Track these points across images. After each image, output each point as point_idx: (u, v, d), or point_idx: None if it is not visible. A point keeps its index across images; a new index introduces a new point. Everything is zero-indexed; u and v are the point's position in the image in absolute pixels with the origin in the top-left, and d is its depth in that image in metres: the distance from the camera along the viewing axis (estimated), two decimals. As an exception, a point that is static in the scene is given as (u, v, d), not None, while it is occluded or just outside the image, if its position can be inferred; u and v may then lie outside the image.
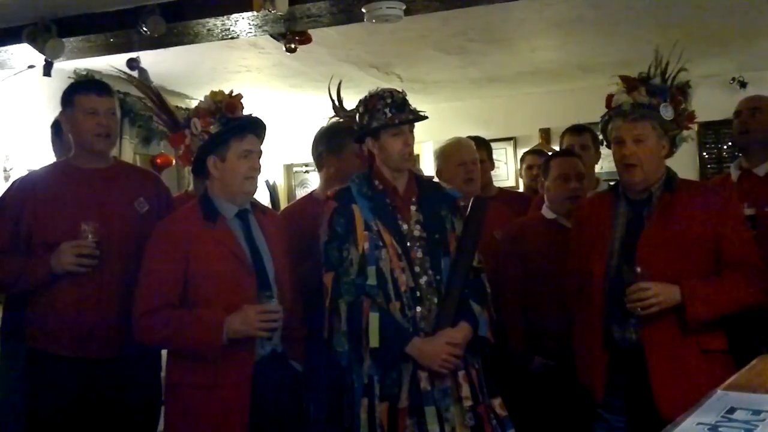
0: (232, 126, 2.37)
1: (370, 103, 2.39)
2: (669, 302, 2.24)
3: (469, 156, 3.20)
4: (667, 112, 2.39)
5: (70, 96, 2.67)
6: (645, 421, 2.22)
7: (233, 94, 2.43)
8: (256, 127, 2.43)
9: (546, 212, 3.04)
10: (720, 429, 1.35)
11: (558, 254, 2.82)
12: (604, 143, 2.59)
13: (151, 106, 2.58)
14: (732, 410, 1.46)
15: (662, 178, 2.41)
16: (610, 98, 2.47)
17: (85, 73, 4.66)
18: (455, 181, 3.00)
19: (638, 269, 2.24)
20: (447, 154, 3.23)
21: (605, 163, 4.52)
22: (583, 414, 2.58)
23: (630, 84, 2.41)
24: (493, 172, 3.99)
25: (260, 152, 2.42)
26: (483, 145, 3.69)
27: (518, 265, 2.93)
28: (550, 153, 3.70)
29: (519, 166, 4.14)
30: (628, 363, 2.35)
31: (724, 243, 2.32)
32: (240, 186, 2.39)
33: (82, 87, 2.72)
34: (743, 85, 5.84)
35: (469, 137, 3.68)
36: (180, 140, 2.47)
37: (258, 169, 2.40)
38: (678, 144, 2.49)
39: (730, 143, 5.95)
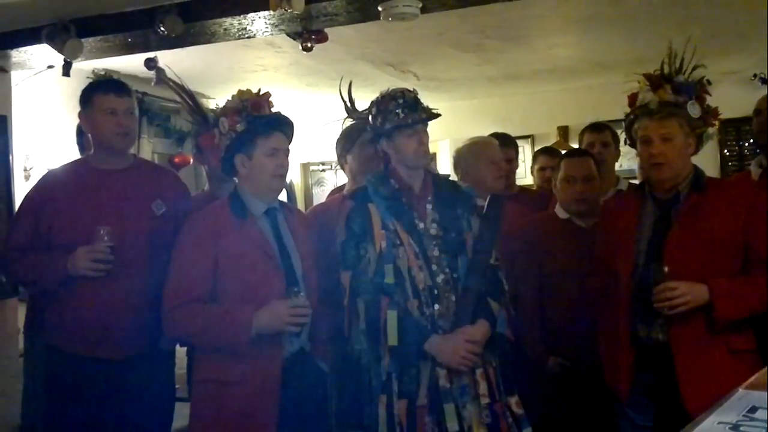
0: (258, 124, 2.38)
1: (382, 104, 2.39)
2: (697, 301, 2.22)
3: (499, 155, 3.17)
4: (694, 110, 2.36)
5: (88, 96, 2.69)
6: (672, 420, 2.20)
7: (261, 93, 2.44)
8: (282, 125, 2.43)
9: (559, 212, 3.02)
10: (741, 428, 1.34)
11: (573, 254, 2.81)
12: (627, 142, 2.56)
13: (185, 106, 2.60)
14: (753, 409, 1.44)
15: (690, 177, 2.39)
16: (633, 97, 2.44)
17: (103, 72, 4.70)
18: (486, 180, 2.98)
19: (666, 268, 2.22)
20: (476, 152, 3.15)
21: (625, 161, 4.50)
22: (603, 415, 2.56)
23: (654, 82, 2.38)
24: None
25: (287, 150, 2.43)
26: (511, 142, 3.67)
27: (533, 264, 2.91)
28: (563, 152, 3.67)
29: (531, 164, 4.10)
30: (654, 362, 2.33)
31: (753, 242, 2.29)
32: (268, 183, 2.40)
33: (101, 87, 2.73)
34: (764, 81, 5.76)
35: (496, 134, 3.66)
36: (211, 140, 2.49)
37: (285, 167, 2.41)
38: (705, 141, 2.46)
39: (751, 140, 5.88)
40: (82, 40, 3.51)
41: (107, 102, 2.63)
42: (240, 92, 2.44)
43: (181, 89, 2.63)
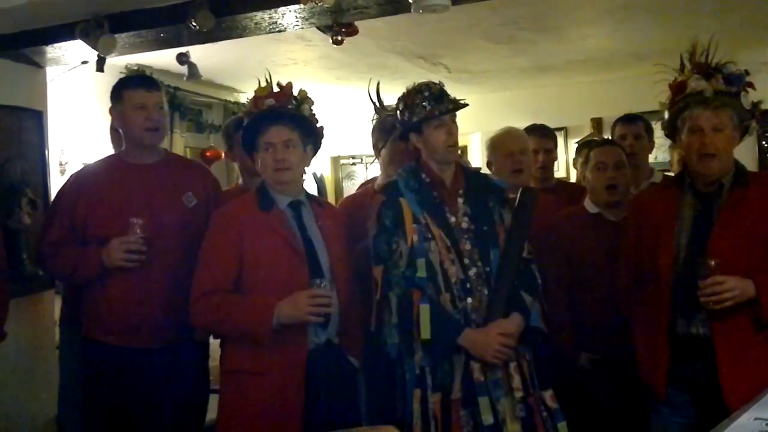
0: (252, 120, 2.41)
1: (408, 98, 2.39)
2: (743, 296, 2.18)
3: (517, 146, 3.12)
4: (746, 101, 2.31)
5: (118, 91, 2.72)
6: (709, 416, 2.16)
7: (283, 84, 2.43)
8: (277, 117, 2.39)
9: (588, 206, 2.97)
10: (779, 426, 1.30)
11: (603, 248, 2.76)
12: (666, 132, 2.49)
13: None
14: (792, 408, 1.41)
15: (732, 171, 2.34)
16: (681, 85, 2.36)
17: (136, 68, 4.75)
18: (504, 172, 2.96)
19: (712, 262, 2.18)
20: (496, 144, 3.17)
21: (659, 153, 4.42)
22: (635, 411, 2.52)
23: (705, 71, 2.32)
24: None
25: (286, 141, 2.38)
26: (549, 134, 3.63)
27: (562, 259, 2.87)
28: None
29: (574, 157, 4.05)
30: (692, 357, 2.29)
31: None
32: (271, 177, 2.41)
33: (131, 82, 2.77)
34: (805, 71, 5.62)
35: (534, 125, 3.62)
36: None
37: (282, 160, 2.37)
38: (749, 134, 2.40)
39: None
40: (115, 35, 3.55)
41: (137, 97, 2.66)
42: (256, 89, 2.45)
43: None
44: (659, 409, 2.41)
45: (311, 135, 2.48)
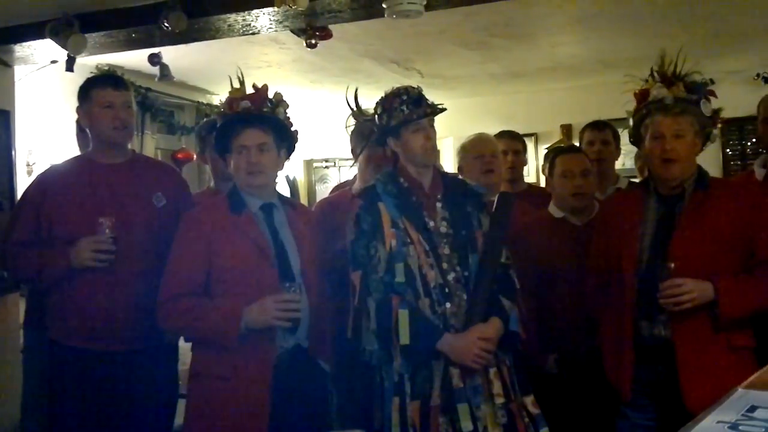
0: (225, 123, 2.39)
1: (386, 102, 2.38)
2: (702, 299, 2.23)
3: (487, 149, 3.17)
4: (706, 109, 2.36)
5: (86, 90, 2.69)
6: (672, 418, 2.20)
7: (258, 87, 2.43)
8: (251, 120, 2.38)
9: (553, 210, 3.01)
10: (740, 427, 1.33)
11: (568, 252, 2.80)
12: (631, 139, 2.55)
13: None
14: (753, 409, 1.44)
15: (694, 176, 2.39)
16: (644, 93, 2.42)
17: (107, 68, 4.70)
18: (474, 174, 2.99)
19: (672, 265, 2.23)
20: (466, 148, 3.22)
21: (627, 160, 4.49)
22: (602, 413, 2.56)
23: (667, 79, 2.38)
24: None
25: (260, 145, 2.37)
26: (517, 137, 3.68)
27: (528, 264, 2.90)
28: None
29: (542, 163, 4.11)
30: (655, 359, 2.33)
31: (757, 241, 2.31)
32: (243, 180, 2.39)
33: (98, 81, 2.74)
34: (767, 80, 5.76)
35: (503, 131, 3.67)
36: None
37: (256, 163, 2.35)
38: (711, 141, 2.46)
39: (753, 140, 5.87)
40: (86, 35, 3.52)
41: (104, 96, 2.64)
42: (230, 91, 2.44)
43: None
44: (624, 410, 2.44)
45: (285, 139, 2.47)
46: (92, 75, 2.76)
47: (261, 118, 2.40)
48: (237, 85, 2.46)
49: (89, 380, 2.57)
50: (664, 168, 2.35)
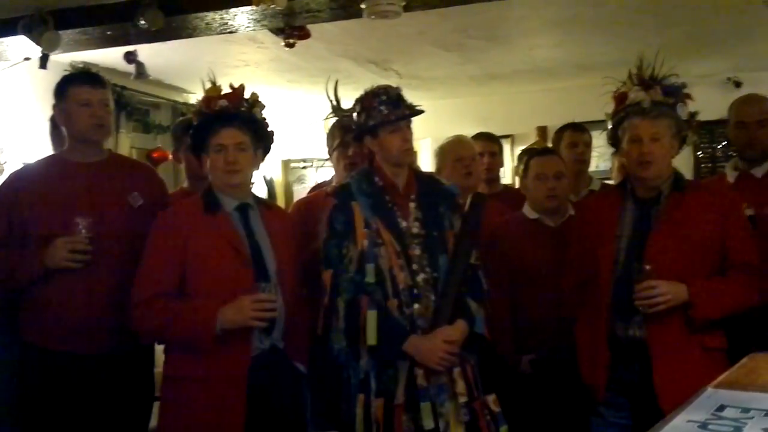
0: (203, 121, 2.38)
1: (365, 101, 2.39)
2: (676, 300, 2.26)
3: (466, 152, 3.22)
4: (683, 112, 2.41)
5: (62, 88, 2.66)
6: (647, 417, 2.23)
7: (235, 87, 2.42)
8: (229, 119, 2.38)
9: (528, 212, 3.04)
10: (710, 426, 1.36)
11: (542, 253, 2.83)
12: (609, 141, 2.58)
13: None
14: (722, 408, 1.47)
15: (670, 178, 2.43)
16: (622, 96, 2.46)
17: (81, 65, 4.64)
18: (453, 177, 3.01)
19: (647, 267, 2.26)
20: (445, 150, 3.25)
21: (601, 162, 4.56)
22: (577, 412, 2.59)
23: (645, 83, 2.41)
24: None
25: (238, 144, 2.36)
26: (494, 139, 3.72)
27: (502, 264, 2.93)
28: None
29: (516, 164, 4.15)
30: (630, 360, 2.37)
31: (731, 244, 2.35)
32: (221, 179, 2.38)
33: (75, 79, 2.71)
34: (738, 84, 5.87)
35: (480, 133, 3.70)
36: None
37: (234, 162, 2.35)
38: (687, 144, 2.50)
39: (724, 143, 5.97)
40: (60, 32, 3.48)
41: (81, 93, 2.61)
42: (206, 90, 2.43)
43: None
44: (599, 410, 2.47)
45: (262, 139, 2.47)
46: (69, 72, 2.73)
47: (239, 118, 2.39)
48: (208, 86, 2.45)
49: (63, 383, 2.54)
50: (641, 170, 2.39)
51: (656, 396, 2.26)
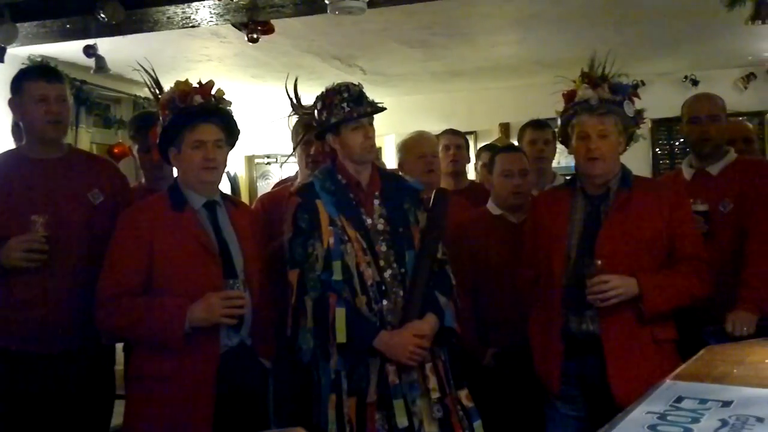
0: (181, 116, 2.34)
1: (327, 98, 2.38)
2: (627, 294, 2.32)
3: (429, 148, 3.24)
4: (629, 109, 2.47)
5: (18, 83, 2.60)
6: (601, 410, 2.29)
7: (204, 83, 2.40)
8: (208, 115, 2.37)
9: (492, 208, 3.08)
10: (668, 417, 1.40)
11: (505, 248, 2.87)
12: (560, 139, 2.65)
13: (156, 100, 2.54)
14: (680, 399, 1.51)
15: (619, 175, 2.49)
16: (571, 94, 2.52)
17: (39, 59, 4.55)
18: (416, 173, 3.03)
19: (599, 262, 2.31)
20: (408, 147, 3.27)
21: (563, 159, 4.62)
22: (537, 405, 2.63)
23: (593, 81, 2.47)
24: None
25: (219, 141, 2.37)
26: (459, 134, 3.75)
27: (466, 260, 2.96)
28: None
29: (475, 161, 4.19)
30: (583, 353, 2.42)
31: (677, 238, 2.43)
32: (196, 176, 2.36)
33: (31, 73, 2.65)
34: (695, 83, 6.02)
35: (448, 130, 3.72)
36: (156, 133, 2.44)
37: (213, 159, 2.35)
38: (634, 141, 2.57)
39: (681, 140, 6.11)
40: (18, 24, 3.39)
41: (37, 89, 2.56)
42: (176, 83, 2.40)
43: (155, 81, 2.56)
44: (553, 402, 2.53)
45: (232, 135, 2.47)
46: (25, 66, 2.67)
47: (217, 114, 2.39)
48: (149, 82, 2.45)
49: (21, 383, 2.50)
50: (589, 166, 2.44)
51: (610, 388, 2.32)
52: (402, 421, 2.20)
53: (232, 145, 2.49)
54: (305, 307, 2.26)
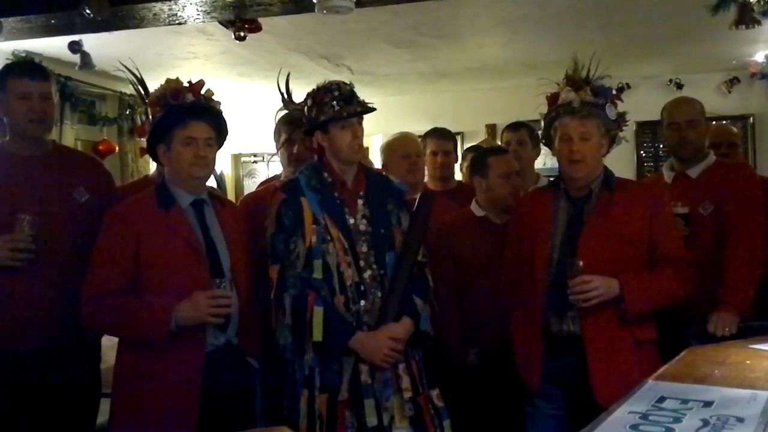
0: (173, 113, 2.34)
1: (317, 96, 2.38)
2: (609, 295, 2.34)
3: (412, 149, 3.27)
4: (611, 112, 2.49)
5: (2, 79, 2.59)
6: (582, 410, 2.30)
7: (194, 82, 2.40)
8: (202, 113, 2.38)
9: (475, 209, 3.09)
10: (650, 417, 1.42)
11: (489, 249, 2.88)
12: (543, 141, 2.67)
13: (140, 98, 2.54)
14: (662, 399, 1.53)
15: (601, 177, 2.51)
16: (554, 97, 2.54)
17: (24, 54, 4.51)
18: (399, 173, 3.05)
19: (580, 263, 2.33)
20: (392, 147, 3.30)
21: (548, 160, 4.64)
22: (518, 403, 2.65)
23: (576, 84, 2.49)
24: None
25: (209, 139, 2.38)
26: (448, 137, 3.75)
27: (450, 261, 2.97)
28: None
29: (461, 162, 4.20)
30: (564, 353, 2.44)
31: (658, 240, 2.45)
32: (187, 173, 2.36)
33: (15, 70, 2.64)
34: (680, 86, 6.06)
35: (436, 129, 3.73)
36: (144, 130, 2.45)
37: (204, 157, 2.36)
38: (617, 143, 2.59)
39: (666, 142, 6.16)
40: (2, 19, 3.36)
41: (21, 86, 2.55)
42: (167, 81, 2.40)
43: (139, 81, 2.55)
44: (534, 401, 2.55)
45: (221, 134, 2.47)
46: (9, 62, 2.65)
47: (209, 112, 2.39)
48: (132, 79, 2.48)
49: (6, 381, 2.48)
50: (571, 168, 2.47)
51: (591, 388, 2.34)
52: (371, 420, 2.23)
53: (220, 145, 2.49)
54: (284, 303, 2.27)
